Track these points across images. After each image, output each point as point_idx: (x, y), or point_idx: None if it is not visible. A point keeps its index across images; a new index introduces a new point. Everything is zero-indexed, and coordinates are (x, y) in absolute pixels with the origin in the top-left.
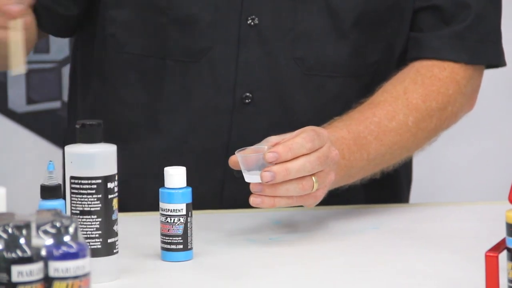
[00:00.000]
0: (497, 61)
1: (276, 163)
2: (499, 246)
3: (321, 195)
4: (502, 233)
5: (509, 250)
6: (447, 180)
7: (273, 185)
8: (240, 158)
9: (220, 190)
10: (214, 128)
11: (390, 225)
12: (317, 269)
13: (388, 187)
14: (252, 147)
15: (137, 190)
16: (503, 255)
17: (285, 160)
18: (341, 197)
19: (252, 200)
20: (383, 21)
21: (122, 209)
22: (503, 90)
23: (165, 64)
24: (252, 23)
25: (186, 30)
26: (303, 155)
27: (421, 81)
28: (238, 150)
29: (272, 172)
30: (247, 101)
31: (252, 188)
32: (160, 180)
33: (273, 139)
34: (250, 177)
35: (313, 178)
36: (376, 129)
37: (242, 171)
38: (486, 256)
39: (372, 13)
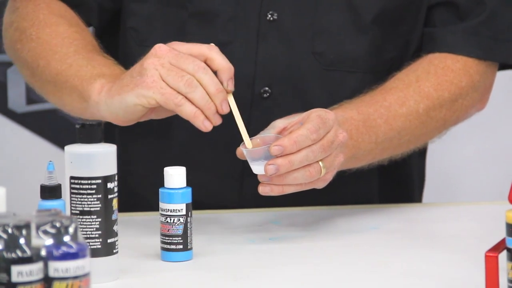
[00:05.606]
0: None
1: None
2: (499, 246)
3: (329, 177)
4: (502, 233)
5: (509, 250)
6: (447, 180)
7: (281, 175)
8: (246, 152)
9: (239, 186)
10: (233, 122)
11: (390, 225)
12: (317, 269)
13: (402, 186)
14: (258, 135)
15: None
16: (503, 255)
17: (290, 153)
18: (354, 195)
19: (261, 189)
20: (401, 18)
21: (123, 209)
22: (503, 90)
23: None
24: (272, 19)
25: (206, 24)
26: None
27: (434, 71)
28: (243, 142)
29: (276, 164)
30: (265, 95)
31: (260, 178)
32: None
33: (279, 124)
34: (257, 169)
35: (320, 163)
36: (386, 113)
37: (249, 162)
38: (486, 256)
39: (391, 9)
